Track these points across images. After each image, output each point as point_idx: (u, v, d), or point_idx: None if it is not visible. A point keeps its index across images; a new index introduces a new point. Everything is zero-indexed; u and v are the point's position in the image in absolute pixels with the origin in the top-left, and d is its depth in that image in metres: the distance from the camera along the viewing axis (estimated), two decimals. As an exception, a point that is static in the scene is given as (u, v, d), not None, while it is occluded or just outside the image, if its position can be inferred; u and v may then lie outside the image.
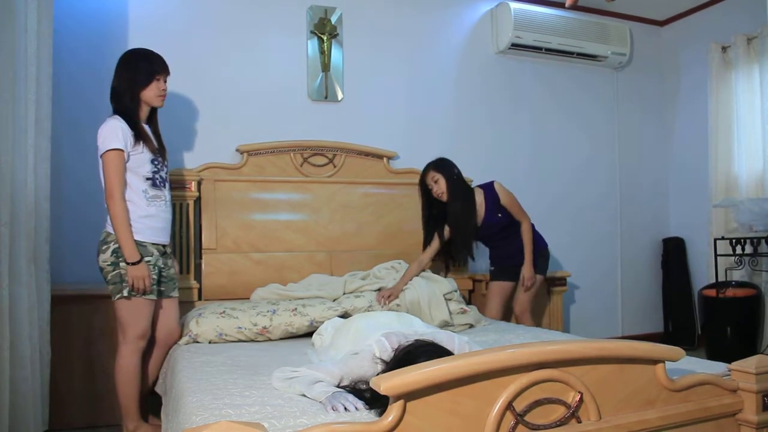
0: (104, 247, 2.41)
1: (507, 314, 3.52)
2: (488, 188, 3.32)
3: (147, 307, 2.43)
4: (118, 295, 2.37)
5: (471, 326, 3.05)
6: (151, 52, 2.57)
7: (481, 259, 4.16)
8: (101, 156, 2.37)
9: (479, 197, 3.31)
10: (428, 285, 3.13)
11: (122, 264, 2.36)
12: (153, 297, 2.45)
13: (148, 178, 2.47)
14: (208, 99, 3.50)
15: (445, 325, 2.96)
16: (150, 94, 2.52)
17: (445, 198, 3.22)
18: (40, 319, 2.52)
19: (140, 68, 2.49)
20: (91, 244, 3.13)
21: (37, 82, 2.50)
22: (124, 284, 2.36)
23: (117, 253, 2.37)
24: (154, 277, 2.44)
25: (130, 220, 2.39)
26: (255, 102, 3.61)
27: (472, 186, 3.44)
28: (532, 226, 3.39)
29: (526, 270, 3.29)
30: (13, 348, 2.30)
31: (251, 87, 3.61)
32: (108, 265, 2.38)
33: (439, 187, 3.21)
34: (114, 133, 2.37)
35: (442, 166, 3.24)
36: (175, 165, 3.27)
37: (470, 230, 3.27)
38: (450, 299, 3.14)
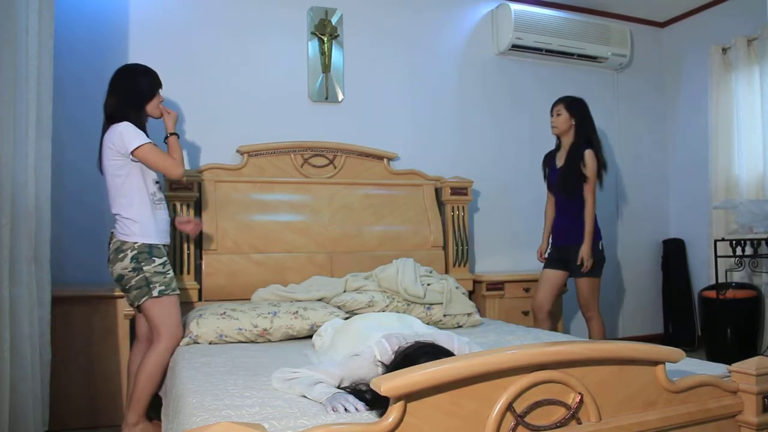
0: (121, 255, 2.46)
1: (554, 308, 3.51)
2: (585, 148, 3.30)
3: (175, 304, 2.54)
4: (145, 298, 2.44)
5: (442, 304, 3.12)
6: (147, 67, 2.65)
7: (481, 260, 4.16)
8: (133, 152, 2.45)
9: (567, 142, 3.38)
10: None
11: (146, 267, 2.44)
12: (177, 292, 2.56)
13: (156, 182, 2.59)
14: (209, 100, 3.50)
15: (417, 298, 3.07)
16: (152, 107, 2.63)
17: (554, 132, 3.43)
18: (41, 320, 2.52)
19: (142, 83, 2.59)
20: (92, 245, 3.14)
21: (38, 82, 2.50)
22: (151, 286, 2.44)
23: (137, 258, 2.45)
24: (170, 275, 2.53)
25: (145, 226, 2.48)
26: (255, 103, 3.61)
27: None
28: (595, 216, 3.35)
29: (583, 251, 3.23)
30: (13, 348, 2.29)
31: (252, 88, 3.61)
32: (129, 271, 2.44)
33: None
34: (136, 131, 2.48)
35: (572, 104, 3.39)
36: (175, 166, 3.27)
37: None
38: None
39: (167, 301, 2.49)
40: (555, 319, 3.69)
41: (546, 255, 3.53)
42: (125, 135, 2.45)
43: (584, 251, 3.23)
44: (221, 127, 3.52)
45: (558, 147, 3.47)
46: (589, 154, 3.27)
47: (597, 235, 3.32)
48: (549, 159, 3.52)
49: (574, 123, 3.34)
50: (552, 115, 3.42)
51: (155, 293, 2.44)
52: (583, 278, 3.28)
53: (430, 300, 3.09)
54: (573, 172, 3.28)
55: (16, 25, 2.34)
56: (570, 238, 3.32)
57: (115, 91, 2.57)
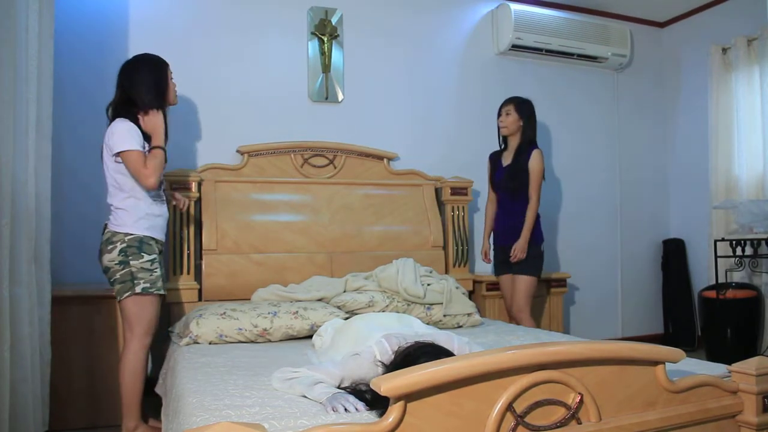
0: (110, 247, 2.43)
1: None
2: (532, 148, 3.33)
3: (154, 304, 2.48)
4: (127, 294, 2.40)
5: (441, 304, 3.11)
6: (155, 55, 2.63)
7: (481, 261, 4.16)
8: (120, 154, 2.39)
9: (514, 143, 3.39)
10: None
11: (132, 262, 2.41)
12: (162, 292, 2.51)
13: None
14: (209, 100, 3.50)
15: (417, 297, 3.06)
16: (171, 94, 2.61)
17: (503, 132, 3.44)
18: (41, 320, 2.52)
19: (158, 72, 2.57)
20: (93, 245, 3.13)
21: (38, 82, 2.50)
22: (135, 282, 2.40)
23: (126, 252, 2.41)
24: (157, 273, 2.49)
25: (138, 216, 2.44)
26: (255, 103, 3.61)
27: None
28: (538, 217, 3.38)
29: (518, 244, 3.27)
30: (13, 348, 2.29)
31: (252, 88, 3.61)
32: (116, 264, 2.41)
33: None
34: (131, 135, 2.41)
35: (521, 105, 3.39)
36: (175, 166, 3.27)
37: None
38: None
39: (148, 299, 2.44)
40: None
41: (491, 256, 3.57)
42: (117, 134, 2.41)
43: (519, 244, 3.27)
44: (221, 127, 3.52)
45: (504, 147, 3.50)
46: (536, 154, 3.31)
47: (540, 236, 3.38)
48: (494, 158, 3.54)
49: (521, 124, 3.37)
50: (500, 115, 3.43)
51: (138, 289, 2.40)
52: (523, 276, 3.31)
53: (430, 300, 3.09)
54: (520, 171, 3.32)
55: (16, 25, 2.34)
56: (513, 237, 3.33)
57: (132, 84, 2.53)
